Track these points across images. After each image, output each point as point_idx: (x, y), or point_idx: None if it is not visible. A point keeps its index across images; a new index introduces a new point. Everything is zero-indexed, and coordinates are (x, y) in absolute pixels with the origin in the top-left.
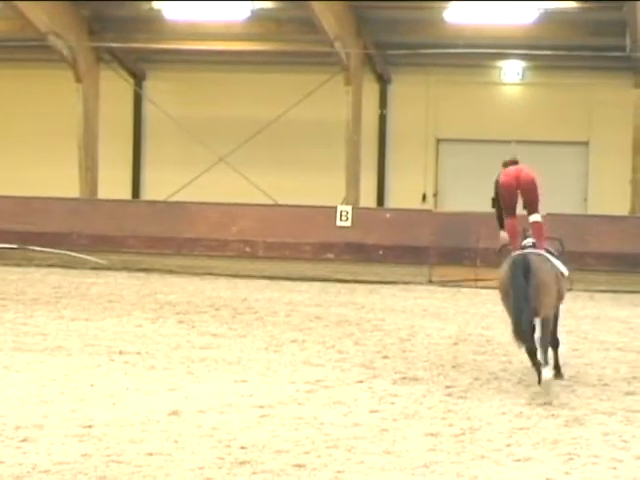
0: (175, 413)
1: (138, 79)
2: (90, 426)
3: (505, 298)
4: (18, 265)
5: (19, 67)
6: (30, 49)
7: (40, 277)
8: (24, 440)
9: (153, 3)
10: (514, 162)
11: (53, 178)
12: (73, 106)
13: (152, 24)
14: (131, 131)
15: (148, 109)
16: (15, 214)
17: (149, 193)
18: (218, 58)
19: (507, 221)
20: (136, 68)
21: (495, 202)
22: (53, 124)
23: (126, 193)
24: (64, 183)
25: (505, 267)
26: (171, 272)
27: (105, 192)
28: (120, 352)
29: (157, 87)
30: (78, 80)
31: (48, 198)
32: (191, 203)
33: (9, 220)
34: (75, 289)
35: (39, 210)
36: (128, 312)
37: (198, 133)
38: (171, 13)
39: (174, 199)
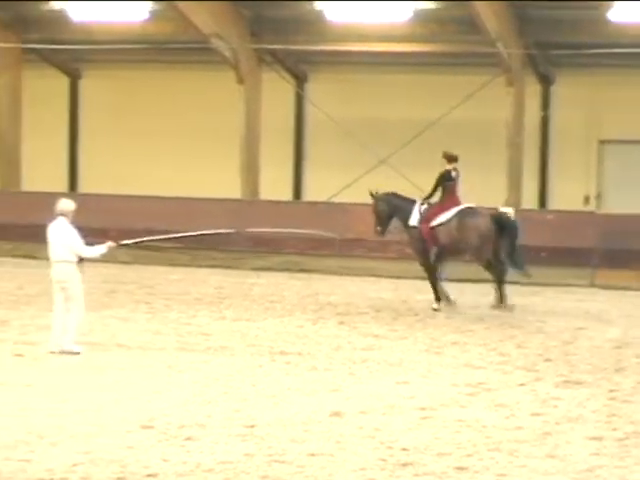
0: (337, 414)
1: (299, 80)
2: (252, 426)
3: None
4: (182, 265)
5: (182, 69)
6: (193, 51)
7: (203, 277)
8: (188, 439)
9: (315, 3)
10: None
11: (215, 179)
12: (235, 108)
13: (313, 25)
14: (292, 132)
15: (309, 110)
16: (176, 215)
17: (310, 194)
18: (379, 59)
19: None
20: (297, 69)
21: None
22: (215, 126)
23: (287, 194)
24: (226, 184)
25: None
26: (332, 273)
27: (266, 193)
28: (282, 352)
29: (318, 88)
30: (240, 82)
31: (209, 199)
32: (352, 204)
33: (170, 222)
34: (237, 290)
35: (200, 211)
36: (289, 313)
37: (358, 134)
38: (332, 14)
39: (335, 200)
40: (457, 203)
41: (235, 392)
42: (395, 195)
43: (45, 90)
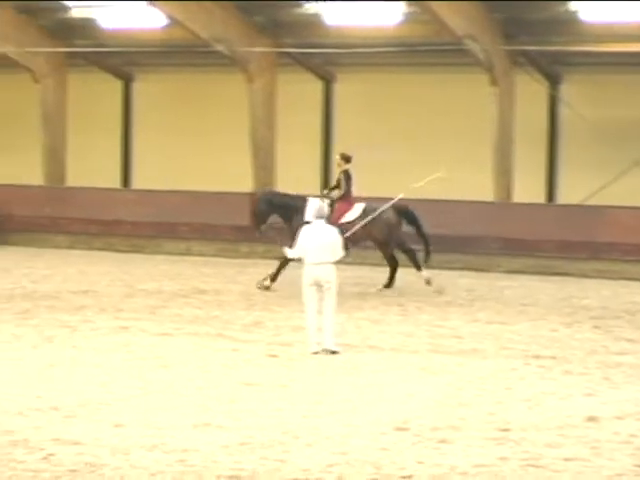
0: (592, 419)
1: (553, 82)
2: (507, 429)
3: None
4: (431, 267)
5: (433, 71)
6: (445, 53)
7: (454, 280)
8: (442, 441)
9: (570, 4)
10: None
11: (468, 182)
12: (486, 110)
13: (568, 26)
14: (545, 134)
15: (563, 112)
16: (430, 217)
17: (563, 197)
18: (635, 59)
19: None
20: (551, 71)
21: None
22: (465, 128)
23: (539, 197)
24: (478, 186)
25: None
26: (585, 276)
27: (519, 196)
28: (535, 356)
29: (572, 89)
30: (493, 84)
31: (463, 202)
32: (606, 207)
33: (425, 224)
34: (488, 292)
35: (454, 214)
36: (543, 316)
37: (613, 136)
38: (587, 14)
39: (589, 203)
40: (355, 201)
41: (489, 395)
42: (279, 194)
43: (299, 94)
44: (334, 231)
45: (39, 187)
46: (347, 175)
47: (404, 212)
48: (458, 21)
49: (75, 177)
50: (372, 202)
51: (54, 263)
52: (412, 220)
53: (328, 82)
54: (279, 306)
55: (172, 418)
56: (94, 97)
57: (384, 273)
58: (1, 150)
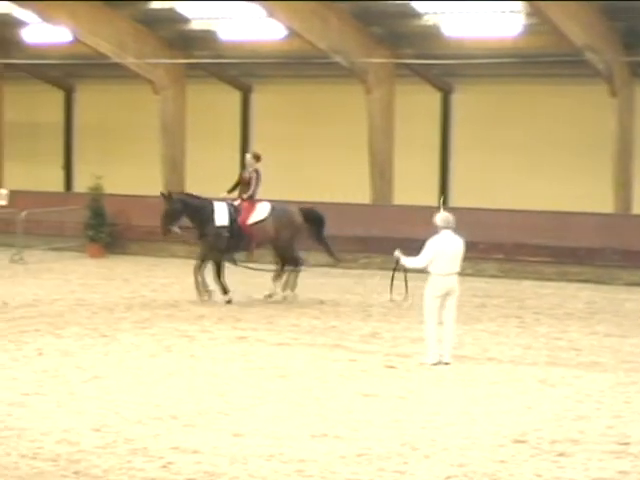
0: None
1: None
2: (626, 443)
3: None
4: (550, 280)
5: (551, 83)
6: (563, 64)
7: (573, 292)
8: (560, 454)
9: None
10: None
11: (586, 193)
12: (605, 121)
13: None
14: None
15: None
16: (549, 229)
17: None
18: None
19: None
20: None
21: None
22: (585, 138)
23: None
24: (597, 198)
25: None
26: None
27: (639, 207)
28: None
29: None
30: (613, 95)
31: (581, 213)
32: None
33: (543, 235)
34: (608, 304)
35: (573, 225)
36: None
37: None
38: None
39: None
40: (258, 201)
41: (608, 408)
42: (190, 195)
43: (417, 105)
44: (461, 241)
45: (158, 197)
46: (258, 175)
47: (310, 214)
48: (577, 31)
49: (194, 187)
50: (277, 203)
51: (173, 272)
52: (317, 222)
53: (446, 93)
54: (396, 317)
55: (290, 428)
56: (213, 108)
57: (500, 284)
58: (121, 161)
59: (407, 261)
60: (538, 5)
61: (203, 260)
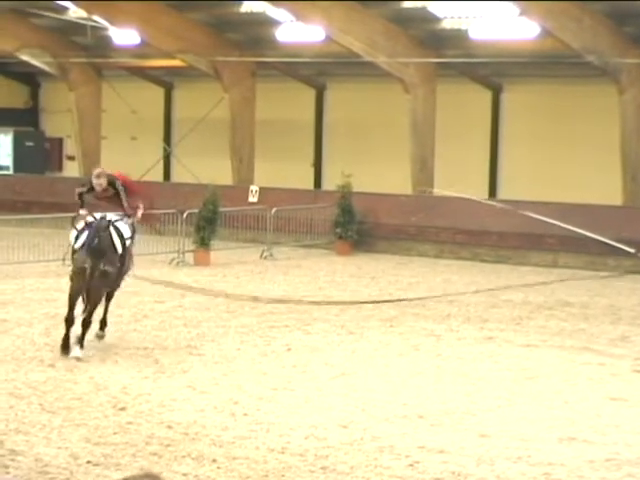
0: None
1: None
2: None
3: None
4: None
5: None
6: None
7: None
8: None
9: None
10: None
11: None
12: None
13: None
14: None
15: None
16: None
17: None
18: None
19: None
20: None
21: None
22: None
23: None
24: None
25: None
26: None
27: None
28: None
29: None
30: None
31: None
32: None
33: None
34: None
35: None
36: None
37: None
38: None
39: None
40: None
41: None
42: None
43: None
44: None
45: (406, 196)
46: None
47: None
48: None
49: (443, 186)
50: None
51: (420, 271)
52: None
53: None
54: None
55: (538, 430)
56: (463, 107)
57: None
58: (370, 159)
59: None
60: None
61: None
